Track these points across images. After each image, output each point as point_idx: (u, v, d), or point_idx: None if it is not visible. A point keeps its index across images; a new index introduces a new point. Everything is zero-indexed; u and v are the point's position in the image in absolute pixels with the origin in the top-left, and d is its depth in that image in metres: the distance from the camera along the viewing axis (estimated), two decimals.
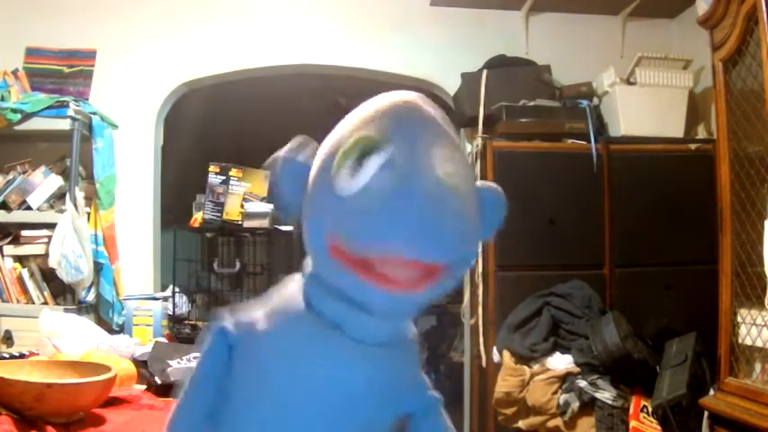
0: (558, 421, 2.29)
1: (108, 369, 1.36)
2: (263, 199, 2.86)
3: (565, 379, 2.35)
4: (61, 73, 3.06)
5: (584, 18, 3.33)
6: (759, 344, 1.96)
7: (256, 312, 0.79)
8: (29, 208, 2.72)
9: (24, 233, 2.72)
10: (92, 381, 1.27)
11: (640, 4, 3.18)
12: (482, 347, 2.70)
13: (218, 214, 2.84)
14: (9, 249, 2.72)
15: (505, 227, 0.79)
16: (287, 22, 3.22)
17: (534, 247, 2.64)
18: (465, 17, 3.28)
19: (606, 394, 2.27)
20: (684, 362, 2.25)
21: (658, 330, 2.55)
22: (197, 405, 0.78)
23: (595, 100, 3.00)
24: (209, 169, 2.88)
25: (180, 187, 3.35)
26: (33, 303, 2.67)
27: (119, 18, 3.12)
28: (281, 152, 0.75)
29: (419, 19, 3.26)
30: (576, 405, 2.26)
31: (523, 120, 2.79)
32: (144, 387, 1.73)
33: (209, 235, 3.18)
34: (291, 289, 0.79)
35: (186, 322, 2.82)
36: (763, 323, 1.94)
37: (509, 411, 2.43)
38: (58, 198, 2.75)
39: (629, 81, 2.96)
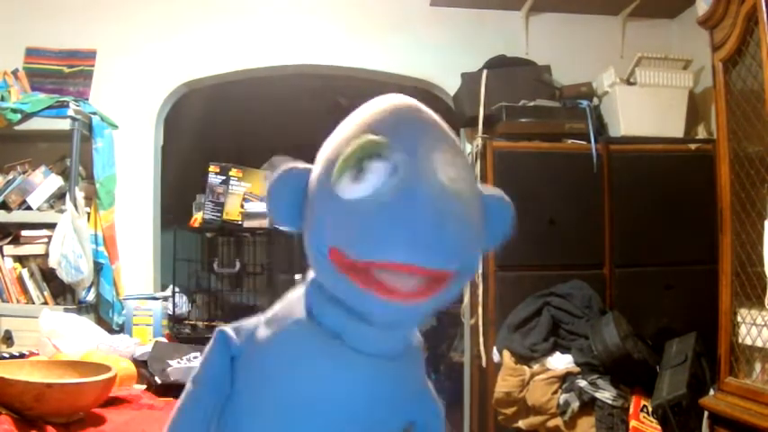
0: (558, 421, 2.29)
1: (108, 369, 1.36)
2: (262, 199, 2.86)
3: (565, 379, 2.35)
4: (61, 73, 3.06)
5: (584, 18, 3.33)
6: (759, 344, 1.96)
7: (258, 320, 0.78)
8: (29, 208, 2.72)
9: (24, 233, 2.72)
10: (92, 381, 1.27)
11: (640, 4, 3.19)
12: (482, 347, 2.70)
13: (218, 214, 2.84)
14: (9, 249, 2.72)
15: (513, 223, 0.78)
16: (287, 22, 3.22)
17: (534, 247, 2.64)
18: (465, 17, 3.28)
19: (606, 394, 2.27)
20: (684, 362, 2.25)
21: (658, 330, 2.55)
22: (197, 414, 0.77)
23: (595, 100, 3.00)
24: (209, 169, 2.88)
25: (180, 187, 3.35)
26: (33, 303, 2.67)
27: (119, 18, 3.12)
28: (276, 172, 0.74)
29: (419, 19, 3.26)
30: (575, 405, 2.26)
31: (523, 120, 2.79)
32: (144, 387, 1.73)
33: (209, 235, 3.18)
34: (294, 297, 0.78)
35: (186, 322, 2.82)
36: (763, 323, 1.94)
37: (509, 411, 2.43)
38: (58, 198, 2.76)
39: (629, 81, 2.96)
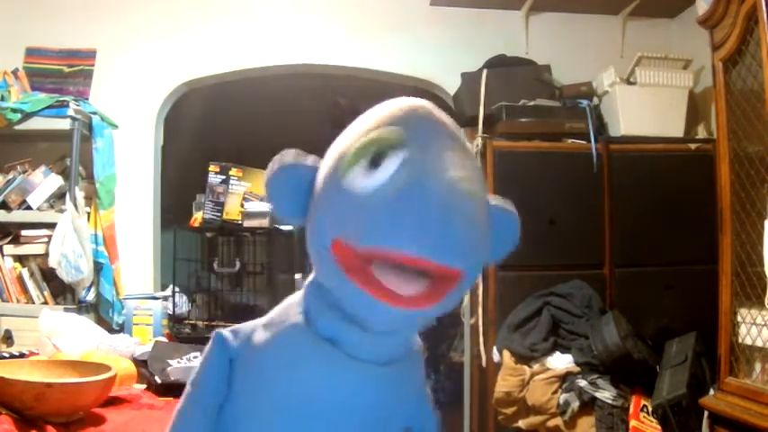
0: (558, 421, 2.29)
1: (108, 369, 1.36)
2: (262, 198, 2.86)
3: (565, 378, 2.35)
4: (61, 73, 3.06)
5: (584, 18, 3.33)
6: (759, 344, 1.96)
7: (256, 323, 0.78)
8: (29, 208, 2.72)
9: (24, 233, 2.72)
10: (92, 380, 1.27)
11: (640, 3, 3.19)
12: (482, 347, 2.70)
13: (218, 214, 2.84)
14: (9, 249, 2.72)
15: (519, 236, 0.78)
16: (287, 22, 3.22)
17: (534, 247, 2.63)
18: (465, 17, 3.28)
19: (606, 394, 2.27)
20: (684, 362, 2.25)
21: (658, 330, 2.55)
22: (197, 416, 0.77)
23: (595, 100, 3.00)
24: (209, 169, 2.88)
25: (180, 187, 3.35)
26: (33, 303, 2.67)
27: (119, 18, 3.12)
28: (281, 160, 0.73)
29: (419, 19, 3.26)
30: (575, 405, 2.26)
31: (523, 119, 2.79)
32: (144, 387, 1.73)
33: (209, 235, 3.18)
34: (291, 301, 0.78)
35: (186, 322, 2.82)
36: (763, 323, 1.94)
37: (509, 411, 2.43)
38: (58, 198, 2.76)
39: (629, 81, 2.96)
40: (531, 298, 2.57)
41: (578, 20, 3.33)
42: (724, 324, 2.08)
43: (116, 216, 2.94)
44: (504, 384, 2.42)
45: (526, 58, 3.21)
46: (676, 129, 2.91)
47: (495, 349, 2.58)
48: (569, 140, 2.80)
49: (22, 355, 1.75)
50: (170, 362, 1.76)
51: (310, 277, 0.77)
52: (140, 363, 1.83)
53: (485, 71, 2.97)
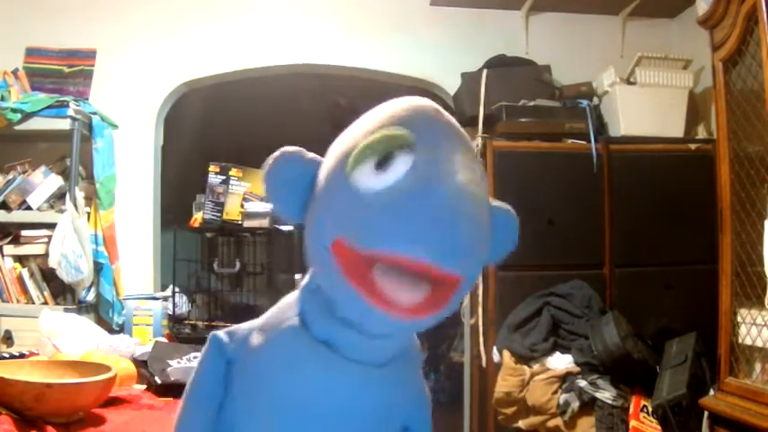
0: (558, 421, 2.29)
1: (108, 369, 1.36)
2: (263, 199, 2.85)
3: (565, 379, 2.35)
4: (61, 73, 3.06)
5: (585, 18, 3.33)
6: (759, 344, 1.96)
7: (252, 325, 0.78)
8: (29, 208, 2.72)
9: (24, 233, 2.72)
10: (92, 381, 1.27)
11: (640, 4, 3.19)
12: (482, 347, 2.70)
13: (218, 214, 2.84)
14: (9, 249, 2.72)
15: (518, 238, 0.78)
16: (287, 22, 3.22)
17: (534, 247, 2.63)
18: (465, 17, 3.28)
19: (606, 394, 2.27)
20: (684, 362, 2.25)
21: (658, 330, 2.55)
22: (197, 418, 0.77)
23: (595, 100, 3.00)
24: (209, 169, 2.87)
25: (180, 187, 3.35)
26: (33, 303, 2.67)
27: (119, 18, 3.12)
28: (280, 152, 0.72)
29: (419, 19, 3.26)
30: (575, 405, 2.26)
31: (523, 120, 2.79)
32: (144, 387, 1.73)
33: (209, 235, 3.18)
34: (287, 302, 0.78)
35: (186, 322, 2.82)
36: (763, 323, 1.94)
37: (509, 411, 2.43)
38: (58, 198, 2.75)
39: (629, 81, 2.96)
40: (531, 298, 2.57)
41: (578, 20, 3.33)
42: (724, 324, 2.08)
43: (116, 216, 2.94)
44: (504, 384, 2.42)
45: (526, 59, 3.21)
46: (676, 129, 2.91)
47: (495, 349, 2.58)
48: (569, 140, 2.80)
49: (22, 356, 1.75)
50: (170, 362, 1.76)
51: (305, 279, 0.77)
52: (140, 363, 1.83)
53: (485, 71, 2.97)
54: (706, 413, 2.09)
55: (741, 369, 2.02)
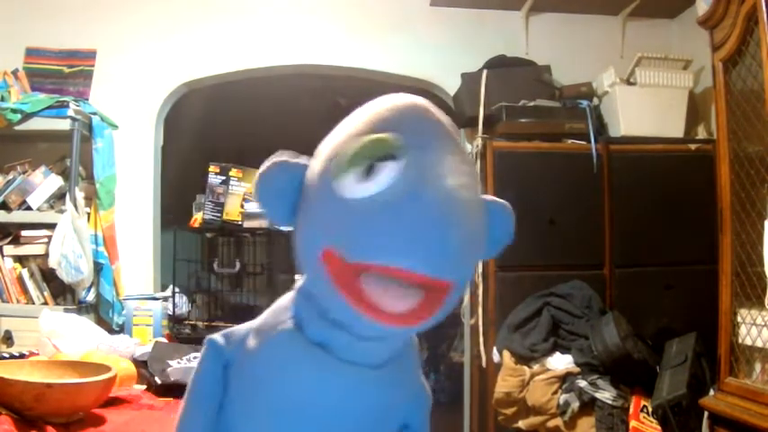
0: (558, 421, 2.29)
1: (108, 369, 1.35)
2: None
3: (565, 379, 2.35)
4: (61, 73, 3.06)
5: (585, 18, 3.33)
6: (759, 344, 1.96)
7: (249, 327, 0.77)
8: (29, 208, 2.72)
9: (24, 233, 2.72)
10: (92, 381, 1.27)
11: (640, 4, 3.19)
12: (482, 347, 2.70)
13: (218, 214, 2.84)
14: (9, 249, 2.72)
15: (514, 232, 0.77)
16: (287, 22, 3.22)
17: (534, 247, 2.63)
18: (465, 17, 3.28)
19: (606, 394, 2.27)
20: (684, 362, 2.25)
21: (658, 330, 2.55)
22: (197, 422, 0.77)
23: (595, 100, 3.00)
24: (209, 169, 2.88)
25: (180, 187, 3.35)
26: (33, 303, 2.67)
27: (119, 18, 3.12)
28: (270, 163, 0.71)
29: (419, 19, 3.26)
30: (575, 405, 2.26)
31: (523, 120, 2.79)
32: (144, 387, 1.73)
33: (209, 235, 3.18)
34: (282, 304, 0.77)
35: (186, 322, 2.82)
36: (763, 323, 1.94)
37: (509, 411, 2.43)
38: (58, 198, 2.75)
39: (629, 81, 2.96)
40: (531, 298, 2.57)
41: (578, 20, 3.33)
42: (724, 324, 2.08)
43: (116, 216, 2.94)
44: (504, 385, 2.42)
45: (526, 59, 3.21)
46: (676, 129, 2.91)
47: (495, 349, 2.58)
48: (569, 141, 2.80)
49: (22, 356, 1.75)
50: (170, 362, 1.76)
51: (299, 281, 0.76)
52: (140, 363, 1.83)
53: (485, 71, 2.98)
54: (706, 413, 2.09)
55: (741, 369, 2.02)
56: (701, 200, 2.55)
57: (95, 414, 1.34)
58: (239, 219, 2.84)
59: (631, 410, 2.25)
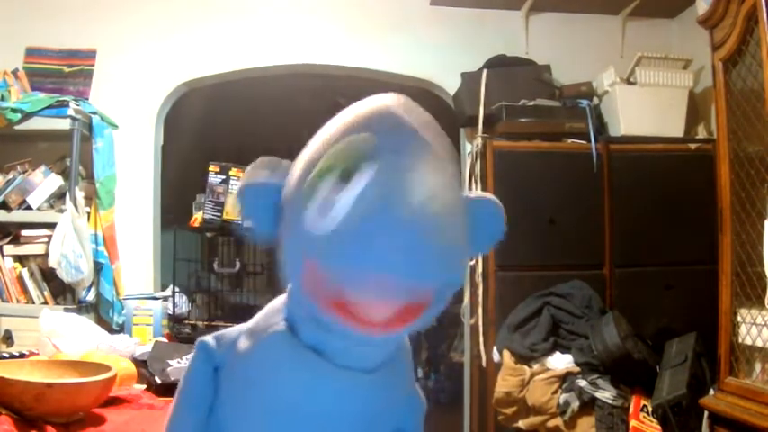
0: (558, 421, 2.29)
1: (108, 369, 1.35)
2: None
3: (565, 379, 2.35)
4: (61, 73, 3.06)
5: (585, 18, 3.33)
6: (759, 344, 1.96)
7: (240, 329, 0.77)
8: (29, 208, 2.72)
9: (24, 233, 2.72)
10: (92, 380, 1.27)
11: (640, 4, 3.19)
12: (482, 347, 2.70)
13: (218, 214, 2.83)
14: (9, 249, 2.72)
15: (505, 227, 0.76)
16: (287, 22, 3.22)
17: (534, 247, 2.64)
18: (465, 17, 3.28)
19: (606, 394, 2.27)
20: (684, 362, 2.25)
21: (658, 330, 2.55)
22: (188, 424, 0.77)
23: (595, 100, 3.00)
24: (209, 169, 2.87)
25: (180, 187, 3.35)
26: (33, 303, 2.67)
27: (119, 18, 3.12)
28: (244, 179, 0.70)
29: (419, 19, 3.26)
30: (575, 405, 2.26)
31: (523, 119, 2.79)
32: (144, 387, 1.73)
33: (209, 235, 3.18)
34: (274, 307, 0.77)
35: (186, 322, 2.82)
36: (763, 323, 1.94)
37: (509, 411, 2.43)
38: (58, 198, 2.76)
39: (629, 81, 2.96)
40: (531, 298, 2.57)
41: (578, 20, 3.33)
42: (724, 324, 2.08)
43: (116, 216, 2.94)
44: (504, 384, 2.42)
45: (526, 59, 3.21)
46: (676, 129, 2.91)
47: (495, 349, 2.59)
48: (569, 140, 2.80)
49: (22, 356, 1.75)
50: (170, 362, 1.76)
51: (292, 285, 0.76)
52: (140, 363, 1.83)
53: (485, 71, 2.98)
54: (706, 413, 2.09)
55: (741, 369, 2.02)
56: (701, 200, 2.55)
57: (95, 414, 1.34)
58: (239, 218, 2.83)
59: (631, 410, 2.25)
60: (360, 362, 0.72)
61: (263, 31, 3.21)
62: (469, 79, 3.00)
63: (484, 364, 2.67)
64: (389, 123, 0.65)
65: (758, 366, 1.99)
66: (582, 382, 2.30)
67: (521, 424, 2.40)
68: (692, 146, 2.89)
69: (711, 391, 2.14)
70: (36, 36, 3.07)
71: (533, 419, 2.36)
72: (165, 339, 2.41)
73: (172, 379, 1.66)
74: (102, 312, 2.80)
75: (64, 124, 2.70)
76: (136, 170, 3.08)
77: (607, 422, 2.23)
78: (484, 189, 2.69)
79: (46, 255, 2.62)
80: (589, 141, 2.75)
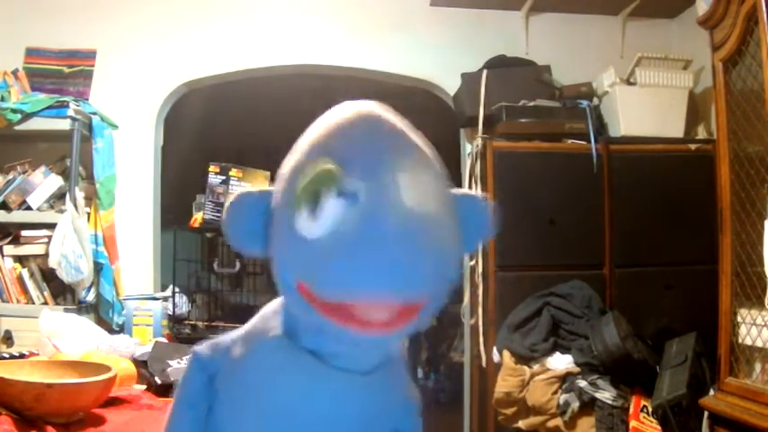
0: (558, 421, 2.29)
1: (108, 369, 1.36)
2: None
3: (565, 379, 2.35)
4: (61, 73, 3.06)
5: (585, 18, 3.33)
6: (759, 344, 1.96)
7: (235, 335, 0.77)
8: (29, 208, 2.72)
9: (24, 233, 2.72)
10: (92, 381, 1.27)
11: (640, 4, 3.19)
12: (482, 347, 2.70)
13: (218, 214, 2.84)
14: (9, 249, 2.72)
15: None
16: (287, 22, 3.22)
17: (534, 247, 2.64)
18: (465, 17, 3.28)
19: (606, 394, 2.27)
20: (684, 362, 2.25)
21: (658, 330, 2.55)
22: (183, 428, 0.78)
23: (595, 100, 3.00)
24: (209, 169, 2.88)
25: (180, 187, 3.35)
26: (33, 303, 2.67)
27: (119, 18, 3.12)
28: (231, 198, 0.70)
29: (419, 19, 3.26)
30: (575, 405, 2.26)
31: (523, 120, 2.79)
32: (144, 387, 1.73)
33: (209, 235, 3.18)
34: (270, 311, 0.77)
35: (186, 322, 2.82)
36: (763, 323, 1.94)
37: (509, 411, 2.43)
38: (58, 198, 2.75)
39: (629, 81, 2.96)
40: (531, 298, 2.57)
41: (578, 20, 3.33)
42: (724, 324, 2.08)
43: (116, 216, 2.94)
44: (504, 385, 2.42)
45: (526, 59, 3.21)
46: (676, 129, 2.91)
47: (495, 349, 2.58)
48: (569, 141, 2.80)
49: (22, 356, 1.75)
50: (170, 362, 1.76)
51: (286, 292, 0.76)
52: (140, 363, 1.83)
53: (485, 71, 2.97)
54: (706, 413, 2.09)
55: (741, 369, 2.02)
56: (701, 200, 2.55)
57: (95, 414, 1.34)
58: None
59: (631, 410, 2.25)
60: (356, 364, 0.72)
61: (263, 31, 3.21)
62: (469, 80, 3.00)
63: (484, 364, 2.67)
64: (369, 131, 0.65)
65: (758, 367, 1.99)
66: (582, 383, 2.30)
67: (521, 424, 2.40)
68: (692, 146, 2.89)
69: (711, 392, 2.14)
70: (36, 36, 3.06)
71: (533, 420, 2.36)
72: (164, 340, 2.41)
73: (172, 379, 1.66)
74: (102, 313, 2.80)
75: (64, 125, 2.70)
76: (136, 170, 3.08)
77: (607, 422, 2.23)
78: (484, 190, 2.69)
79: (46, 255, 2.61)
80: (589, 142, 2.75)
